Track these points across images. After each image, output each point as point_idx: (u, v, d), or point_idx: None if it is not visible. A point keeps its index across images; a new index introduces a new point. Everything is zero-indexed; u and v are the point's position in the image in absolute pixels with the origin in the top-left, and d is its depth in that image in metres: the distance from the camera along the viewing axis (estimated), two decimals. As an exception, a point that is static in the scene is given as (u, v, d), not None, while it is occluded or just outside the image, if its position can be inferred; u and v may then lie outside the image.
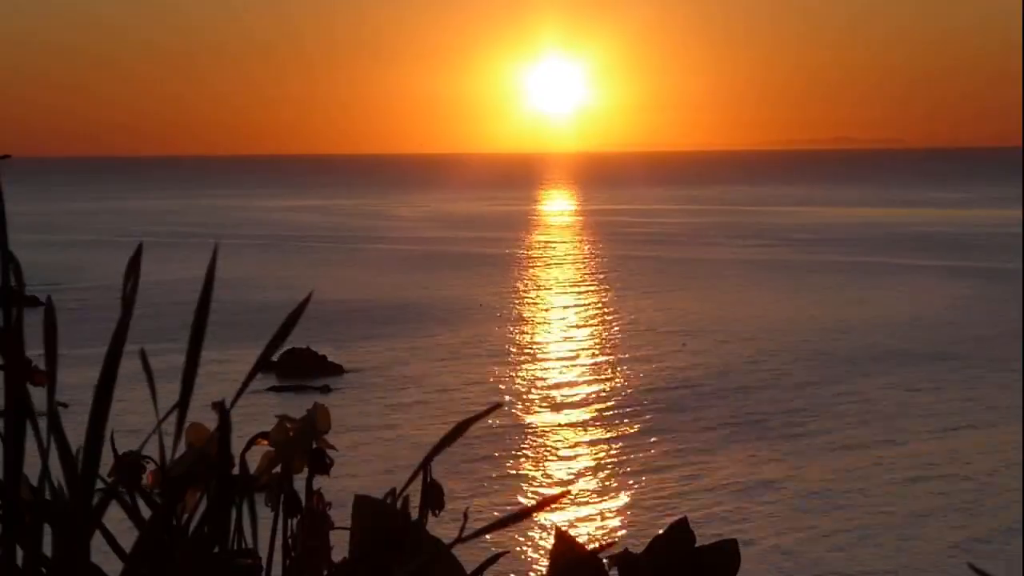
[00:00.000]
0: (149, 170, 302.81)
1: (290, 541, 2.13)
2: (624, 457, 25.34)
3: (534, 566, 17.28)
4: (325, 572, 2.11)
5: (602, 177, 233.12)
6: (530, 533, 18.73)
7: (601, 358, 36.19)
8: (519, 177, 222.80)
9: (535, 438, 26.55)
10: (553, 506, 18.95)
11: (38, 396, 1.80)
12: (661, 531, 2.61)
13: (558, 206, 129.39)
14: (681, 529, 2.54)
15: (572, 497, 22.19)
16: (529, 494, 22.17)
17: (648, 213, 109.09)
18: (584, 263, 65.44)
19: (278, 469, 2.15)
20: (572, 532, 2.55)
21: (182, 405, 1.79)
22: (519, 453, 25.23)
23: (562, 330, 41.63)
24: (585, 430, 27.53)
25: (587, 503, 22.24)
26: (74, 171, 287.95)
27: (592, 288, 54.00)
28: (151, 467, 2.00)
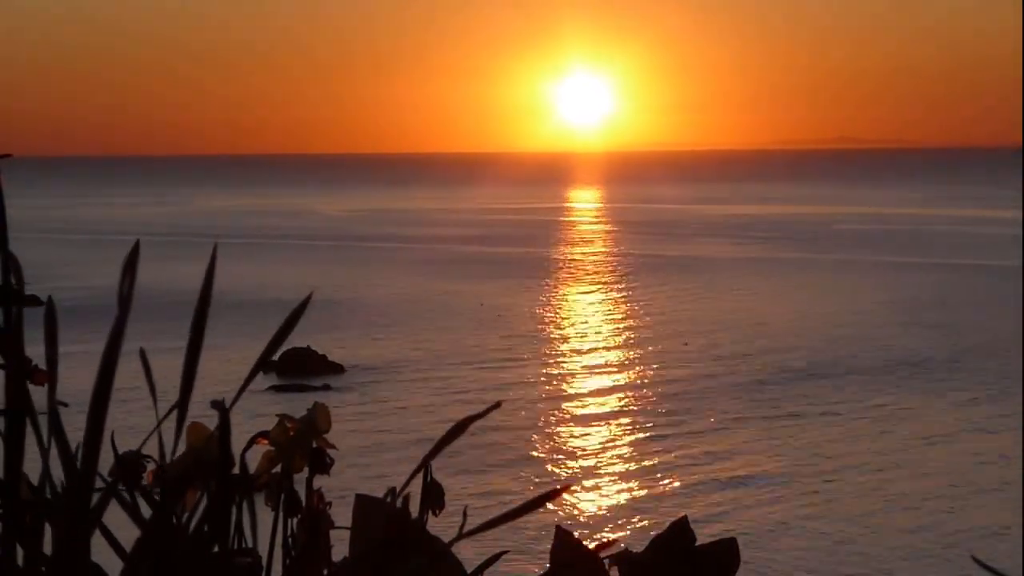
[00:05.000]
0: (180, 169, 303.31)
1: (290, 541, 2.13)
2: (624, 455, 25.35)
3: (535, 565, 17.29)
4: (325, 572, 2.11)
5: (614, 175, 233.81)
6: (531, 532, 18.74)
7: (602, 357, 36.20)
8: (539, 176, 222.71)
9: (535, 437, 26.56)
10: (553, 504, 18.92)
11: (38, 395, 1.80)
12: (662, 530, 2.61)
13: (566, 204, 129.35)
14: (681, 528, 2.54)
15: (572, 495, 22.20)
16: (529, 492, 22.18)
17: (652, 212, 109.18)
18: (586, 262, 65.45)
19: (278, 469, 2.15)
20: (572, 530, 2.55)
21: (182, 404, 1.79)
22: (519, 452, 25.23)
23: (563, 329, 41.64)
24: (585, 428, 27.54)
25: (587, 501, 22.25)
26: (75, 170, 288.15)
27: (593, 287, 54.01)
28: (151, 466, 2.00)
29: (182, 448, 1.91)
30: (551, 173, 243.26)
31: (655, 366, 34.38)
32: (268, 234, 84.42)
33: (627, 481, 23.55)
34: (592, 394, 31.14)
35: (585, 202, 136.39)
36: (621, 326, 42.22)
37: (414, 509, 2.15)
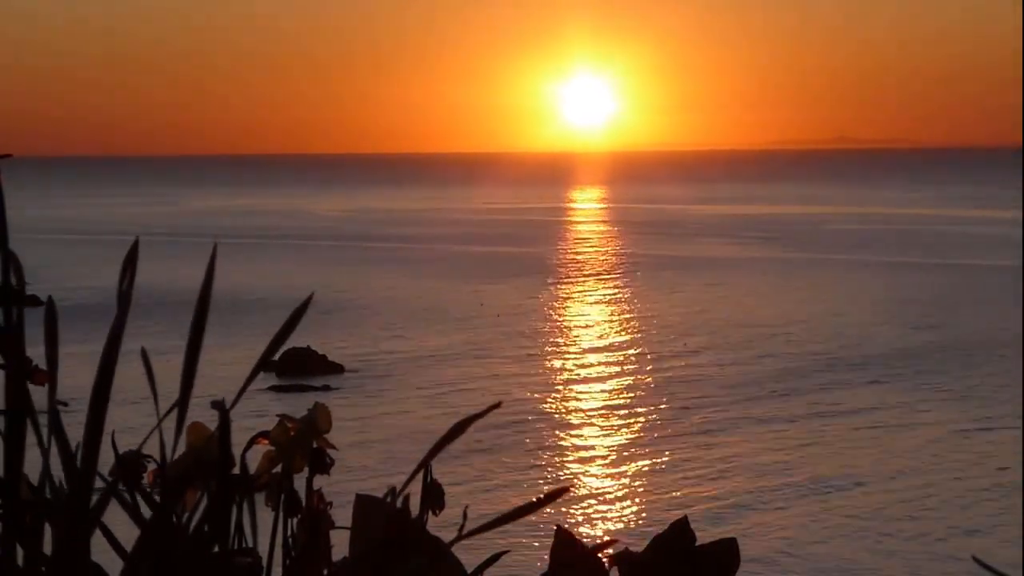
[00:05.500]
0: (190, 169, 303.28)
1: (290, 541, 2.13)
2: (624, 454, 25.35)
3: (535, 565, 17.28)
4: (325, 572, 2.11)
5: (616, 175, 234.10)
6: (531, 532, 18.73)
7: (602, 357, 36.19)
8: (542, 176, 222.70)
9: (534, 437, 26.56)
10: (553, 504, 18.87)
11: (38, 395, 1.80)
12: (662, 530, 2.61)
13: (567, 205, 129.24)
14: (681, 528, 2.54)
15: (573, 495, 22.20)
16: (529, 493, 22.17)
17: (653, 212, 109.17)
18: (586, 262, 65.45)
19: (278, 469, 2.15)
20: (572, 530, 2.55)
21: (182, 404, 1.79)
22: (518, 452, 25.23)
23: (563, 329, 41.64)
24: (585, 428, 27.54)
25: (587, 501, 22.24)
26: (73, 170, 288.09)
27: (593, 287, 54.01)
28: (152, 466, 2.00)
29: (182, 448, 1.91)
30: (554, 173, 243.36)
31: (655, 366, 34.37)
32: (269, 234, 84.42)
33: (627, 481, 23.55)
34: (592, 394, 31.13)
35: (586, 202, 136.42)
36: (621, 326, 42.21)
37: (414, 509, 2.15)
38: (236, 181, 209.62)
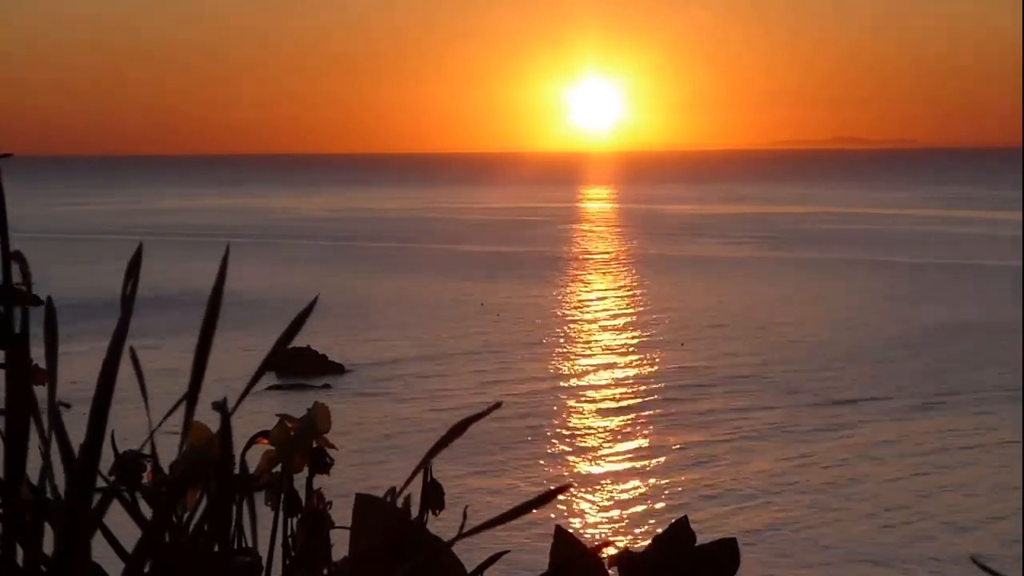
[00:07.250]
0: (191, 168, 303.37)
1: (290, 540, 2.14)
2: (623, 455, 25.35)
3: (535, 565, 17.27)
4: (325, 572, 2.11)
5: (620, 176, 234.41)
6: (531, 532, 18.74)
7: (600, 357, 36.19)
8: (547, 176, 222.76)
9: (535, 436, 26.56)
10: (552, 504, 18.91)
11: (39, 395, 1.80)
12: (662, 530, 2.61)
13: (569, 204, 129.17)
14: (681, 528, 2.54)
15: (572, 495, 22.20)
16: (530, 491, 22.15)
17: (654, 212, 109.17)
18: (585, 262, 65.44)
19: (278, 468, 2.15)
20: (573, 530, 2.55)
21: (190, 398, 1.79)
22: (519, 451, 25.24)
23: (562, 330, 41.63)
24: (583, 428, 27.55)
25: (587, 501, 22.25)
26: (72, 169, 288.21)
27: (592, 287, 54.00)
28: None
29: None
30: (562, 173, 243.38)
31: (654, 365, 34.36)
32: (269, 233, 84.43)
33: (626, 480, 23.55)
34: (591, 393, 31.13)
35: (590, 202, 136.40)
36: (620, 325, 42.20)
37: (414, 509, 2.16)
38: (238, 181, 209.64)
